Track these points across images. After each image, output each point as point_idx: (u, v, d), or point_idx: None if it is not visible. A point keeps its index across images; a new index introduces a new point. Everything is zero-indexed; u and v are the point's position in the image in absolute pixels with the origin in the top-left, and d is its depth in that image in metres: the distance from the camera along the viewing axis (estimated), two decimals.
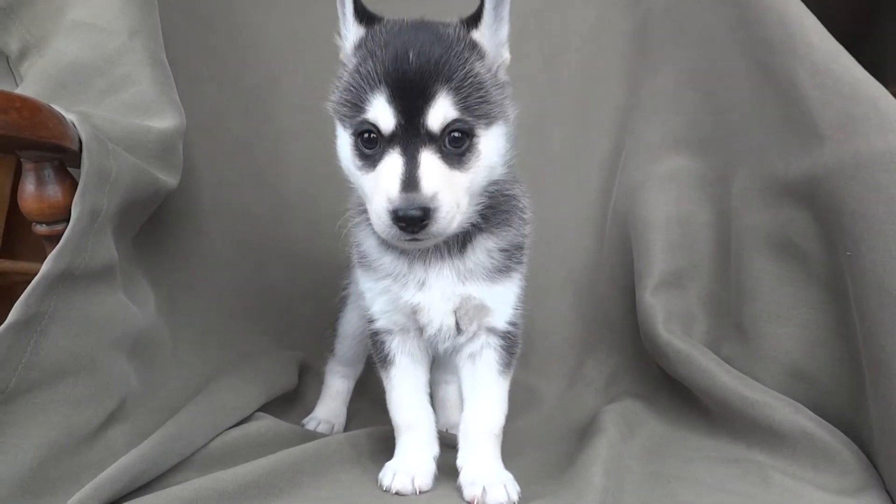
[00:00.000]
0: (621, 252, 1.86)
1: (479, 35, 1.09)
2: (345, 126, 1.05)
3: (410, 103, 0.97)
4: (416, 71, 0.98)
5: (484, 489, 1.10)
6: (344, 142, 1.06)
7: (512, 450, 1.52)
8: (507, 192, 1.18)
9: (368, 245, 1.19)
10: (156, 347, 1.38)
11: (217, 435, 1.27)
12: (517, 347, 1.28)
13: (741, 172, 1.58)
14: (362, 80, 1.00)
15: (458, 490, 1.16)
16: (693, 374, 1.49)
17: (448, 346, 1.24)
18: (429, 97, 0.98)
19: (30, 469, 1.00)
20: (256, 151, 1.99)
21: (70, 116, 1.14)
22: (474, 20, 1.09)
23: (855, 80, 1.31)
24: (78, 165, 1.13)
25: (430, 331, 1.19)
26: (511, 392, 1.88)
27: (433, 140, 0.99)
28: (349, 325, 1.64)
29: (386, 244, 1.14)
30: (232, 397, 1.39)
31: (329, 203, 2.09)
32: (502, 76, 1.12)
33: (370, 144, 1.01)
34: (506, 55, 1.14)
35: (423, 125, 0.98)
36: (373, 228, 1.05)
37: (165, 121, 1.40)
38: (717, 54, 1.69)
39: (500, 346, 1.25)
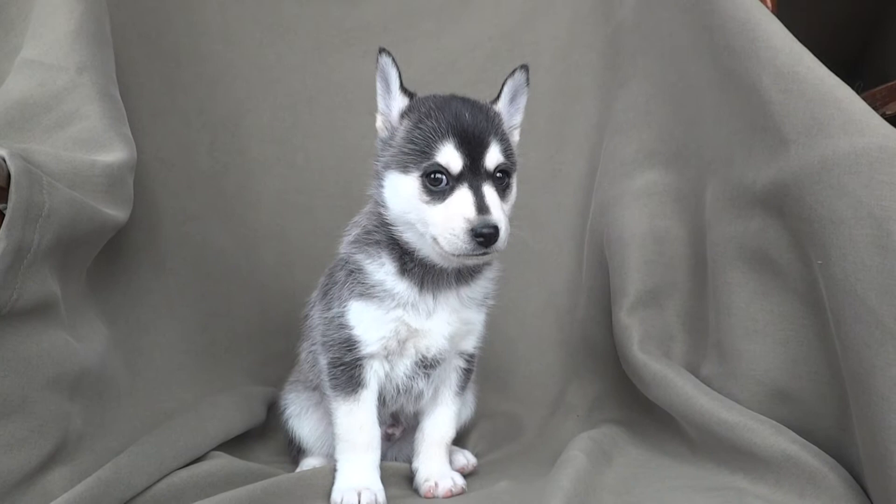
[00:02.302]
0: (600, 272, 1.79)
1: (499, 107, 1.38)
2: (408, 171, 1.23)
3: (473, 150, 1.22)
4: (474, 125, 1.24)
5: (436, 483, 1.34)
6: (406, 184, 1.23)
7: (486, 482, 1.44)
8: None
9: (384, 273, 1.30)
10: (106, 386, 1.34)
11: (163, 476, 1.22)
12: (473, 371, 1.49)
13: (712, 184, 1.50)
14: (427, 133, 1.23)
15: (416, 490, 1.38)
16: (670, 396, 1.41)
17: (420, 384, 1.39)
18: (485, 145, 1.23)
19: None
20: (224, 184, 1.96)
21: (0, 152, 1.12)
22: (495, 99, 1.38)
23: (819, 82, 1.25)
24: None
25: (430, 354, 1.33)
26: (491, 421, 1.82)
27: (489, 177, 1.23)
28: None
29: (402, 272, 1.29)
30: (184, 436, 1.33)
31: (302, 234, 2.07)
32: (516, 137, 1.41)
33: (437, 182, 1.21)
34: (518, 119, 1.42)
35: (483, 166, 1.23)
36: (386, 260, 1.29)
37: (113, 154, 1.39)
38: (685, 64, 1.64)
39: (462, 369, 1.44)
